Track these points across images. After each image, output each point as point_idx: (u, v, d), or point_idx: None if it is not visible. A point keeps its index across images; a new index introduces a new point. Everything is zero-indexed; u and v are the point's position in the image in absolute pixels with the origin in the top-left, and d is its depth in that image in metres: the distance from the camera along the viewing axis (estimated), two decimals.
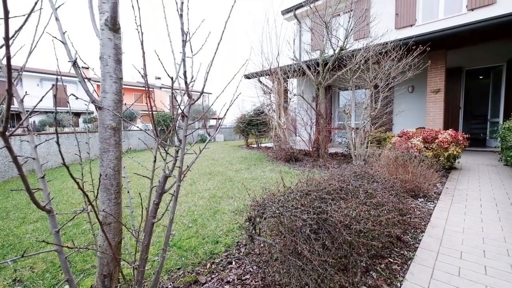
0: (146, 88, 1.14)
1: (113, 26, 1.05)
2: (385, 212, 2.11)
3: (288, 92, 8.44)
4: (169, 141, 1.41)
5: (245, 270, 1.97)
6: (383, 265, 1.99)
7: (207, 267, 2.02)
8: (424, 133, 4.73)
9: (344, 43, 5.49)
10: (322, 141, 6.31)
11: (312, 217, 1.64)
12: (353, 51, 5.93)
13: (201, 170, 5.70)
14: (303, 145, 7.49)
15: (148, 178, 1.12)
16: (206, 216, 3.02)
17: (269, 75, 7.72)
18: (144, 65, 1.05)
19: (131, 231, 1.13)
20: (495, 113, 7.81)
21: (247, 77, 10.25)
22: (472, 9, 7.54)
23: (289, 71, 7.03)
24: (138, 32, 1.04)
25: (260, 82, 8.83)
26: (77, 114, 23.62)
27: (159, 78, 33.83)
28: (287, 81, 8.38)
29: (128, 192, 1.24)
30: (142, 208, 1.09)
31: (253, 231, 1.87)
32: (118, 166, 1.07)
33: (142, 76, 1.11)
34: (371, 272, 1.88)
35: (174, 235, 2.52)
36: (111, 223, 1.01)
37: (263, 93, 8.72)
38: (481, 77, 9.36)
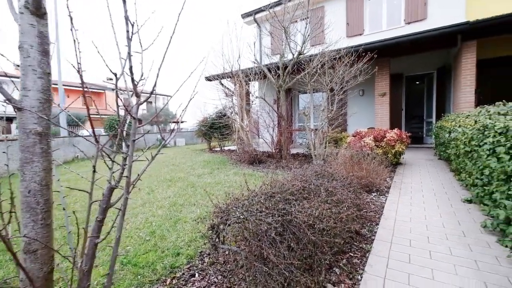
0: (83, 88, 0.97)
1: (37, 10, 0.87)
2: (345, 208, 2.20)
3: (250, 94, 8.49)
4: (122, 146, 1.24)
5: (209, 281, 1.85)
6: (345, 260, 2.06)
7: (167, 283, 1.85)
8: (374, 133, 5.16)
9: (302, 48, 5.71)
10: (284, 143, 6.45)
11: (277, 219, 1.61)
12: (310, 56, 6.21)
13: (160, 177, 5.34)
14: (266, 147, 7.58)
15: (86, 192, 0.95)
16: (166, 226, 2.80)
17: (230, 77, 7.66)
18: (78, 58, 0.89)
19: (67, 256, 0.94)
20: (429, 114, 8.95)
21: (208, 79, 10.02)
22: (409, 23, 8.55)
23: (250, 74, 7.06)
24: (70, 18, 0.88)
25: (222, 84, 8.70)
26: (10, 119, 20.36)
27: (110, 79, 31.06)
28: (249, 83, 8.42)
29: (64, 209, 1.04)
30: (78, 228, 0.92)
31: (217, 240, 1.77)
32: (47, 180, 0.88)
33: (78, 72, 0.95)
34: (334, 269, 1.93)
35: (128, 252, 2.27)
36: (37, 250, 0.82)
37: (225, 96, 8.62)
38: (417, 82, 10.65)
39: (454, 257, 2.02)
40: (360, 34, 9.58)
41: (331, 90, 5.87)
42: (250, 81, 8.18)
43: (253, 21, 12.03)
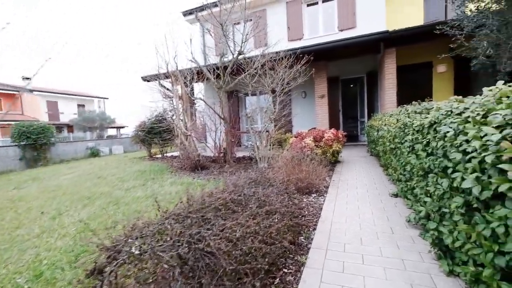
0: None
1: None
2: (277, 220, 1.98)
3: (193, 96, 7.93)
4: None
5: None
6: (278, 279, 1.83)
7: None
8: (314, 133, 5.26)
9: (241, 47, 5.50)
10: (228, 146, 6.14)
11: (183, 252, 1.26)
12: (250, 58, 6.06)
13: (77, 195, 4.43)
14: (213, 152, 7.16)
15: None
16: (63, 263, 2.17)
17: (168, 77, 6.99)
18: None
19: None
20: (362, 114, 9.81)
21: (145, 79, 9.08)
22: (341, 30, 9.21)
23: (188, 74, 6.55)
24: None
25: (161, 85, 7.93)
26: None
27: (28, 78, 26.09)
28: (192, 85, 7.86)
29: None
30: None
31: None
32: None
33: None
34: None
35: None
36: None
37: (165, 97, 7.87)
38: (351, 85, 11.65)
39: (384, 258, 1.99)
40: (300, 39, 9.95)
41: (273, 91, 5.81)
42: (192, 82, 7.65)
43: (196, 20, 11.45)
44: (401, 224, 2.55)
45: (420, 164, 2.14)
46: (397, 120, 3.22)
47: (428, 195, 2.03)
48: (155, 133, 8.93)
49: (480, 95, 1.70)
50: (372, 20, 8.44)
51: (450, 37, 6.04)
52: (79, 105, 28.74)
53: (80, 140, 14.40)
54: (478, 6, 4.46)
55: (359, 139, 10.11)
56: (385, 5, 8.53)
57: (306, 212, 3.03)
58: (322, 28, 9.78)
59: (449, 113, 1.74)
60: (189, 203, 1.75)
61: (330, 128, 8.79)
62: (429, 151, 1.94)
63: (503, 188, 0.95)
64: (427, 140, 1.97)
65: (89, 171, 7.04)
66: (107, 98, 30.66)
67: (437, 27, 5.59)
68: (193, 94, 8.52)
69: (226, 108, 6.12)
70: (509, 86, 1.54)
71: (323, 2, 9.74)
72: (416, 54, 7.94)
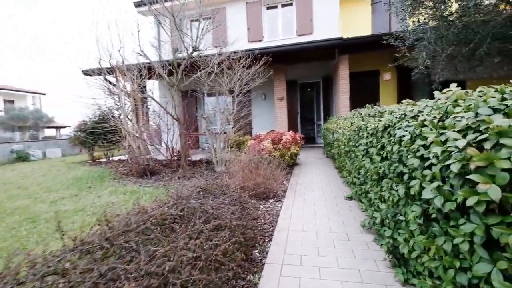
0: None
1: None
2: (226, 237, 1.70)
3: (144, 94, 7.17)
4: None
5: None
6: None
7: None
8: (272, 135, 5.13)
9: (196, 42, 5.10)
10: (182, 149, 5.65)
11: None
12: (207, 56, 5.69)
13: None
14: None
15: None
16: None
17: (113, 72, 6.18)
18: None
19: None
20: (318, 117, 10.16)
21: (87, 73, 7.95)
22: (300, 35, 9.41)
23: (137, 69, 5.87)
24: None
25: (106, 80, 6.99)
26: None
27: None
28: (143, 81, 7.09)
29: None
30: None
31: None
32: None
33: None
34: None
35: None
36: None
37: (110, 94, 6.95)
38: (309, 89, 12.06)
39: (341, 270, 1.85)
40: (260, 41, 9.89)
41: (231, 91, 5.53)
42: (143, 78, 6.90)
43: (149, 12, 10.53)
44: (356, 228, 2.50)
45: (374, 168, 2.09)
46: (351, 123, 3.23)
47: (383, 200, 1.97)
48: (98, 134, 7.86)
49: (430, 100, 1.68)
50: (327, 27, 8.80)
51: (395, 47, 6.56)
52: (6, 101, 24.37)
53: (3, 142, 12.07)
54: (418, 19, 4.87)
55: (316, 141, 10.46)
56: (339, 15, 8.99)
57: (262, 221, 2.81)
58: (281, 32, 9.87)
59: (403, 116, 1.69)
60: (109, 225, 1.35)
61: (289, 130, 8.88)
62: (384, 155, 1.88)
63: (471, 201, 0.83)
64: (382, 144, 1.91)
65: (8, 180, 5.79)
66: (44, 94, 26.67)
67: (384, 38, 6.00)
68: (145, 92, 7.75)
69: (180, 108, 5.62)
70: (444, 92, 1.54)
71: (282, 6, 9.85)
72: (366, 63, 8.51)
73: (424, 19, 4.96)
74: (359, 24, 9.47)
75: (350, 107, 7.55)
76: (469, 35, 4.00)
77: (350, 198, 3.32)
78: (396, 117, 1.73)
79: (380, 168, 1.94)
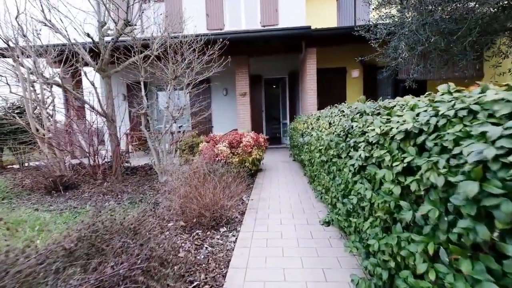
0: None
1: None
2: None
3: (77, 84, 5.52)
4: None
5: None
6: None
7: None
8: (229, 137, 4.10)
9: (126, 13, 3.77)
10: (115, 154, 4.29)
11: None
12: (147, 39, 4.40)
13: None
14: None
15: None
16: None
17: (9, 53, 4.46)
18: None
19: None
20: (284, 115, 9.41)
21: None
22: (264, 26, 8.49)
23: (54, 50, 4.29)
24: None
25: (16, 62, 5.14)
26: None
27: None
28: (73, 67, 5.41)
29: None
30: None
31: None
32: None
33: None
34: None
35: None
36: None
37: (20, 81, 5.14)
38: (274, 86, 11.27)
39: None
40: (220, 29, 8.71)
41: (176, 79, 4.33)
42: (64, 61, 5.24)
43: None
44: (344, 282, 1.62)
45: (383, 202, 1.19)
46: (330, 123, 2.36)
47: (402, 261, 1.09)
48: (6, 134, 5.94)
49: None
50: (293, 18, 8.03)
51: (365, 42, 6.04)
52: None
53: None
54: (398, 7, 4.28)
55: (282, 141, 9.71)
56: (305, 7, 8.30)
57: (203, 276, 1.76)
58: (244, 22, 8.83)
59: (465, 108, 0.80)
60: None
61: (253, 129, 7.93)
62: (408, 184, 0.98)
63: None
64: (406, 163, 1.01)
65: None
66: None
67: (356, 29, 5.37)
68: (81, 83, 6.06)
69: (111, 101, 4.24)
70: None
71: None
72: (332, 59, 7.95)
73: (404, 7, 4.39)
74: (325, 20, 8.93)
75: (318, 105, 6.90)
76: (450, 26, 3.48)
77: (328, 224, 2.45)
78: (449, 112, 0.83)
79: (395, 201, 1.04)
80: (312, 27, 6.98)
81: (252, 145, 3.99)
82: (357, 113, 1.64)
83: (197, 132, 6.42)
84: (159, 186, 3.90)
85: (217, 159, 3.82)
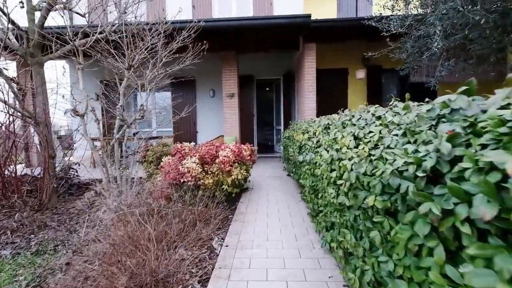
0: None
1: None
2: None
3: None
4: None
5: None
6: None
7: None
8: (203, 149, 2.97)
9: None
10: (44, 167, 3.10)
11: None
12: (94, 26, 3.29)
13: None
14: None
15: None
16: None
17: None
18: None
19: None
20: (278, 121, 8.34)
21: None
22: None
23: None
24: None
25: None
26: None
27: None
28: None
29: None
30: None
31: None
32: None
33: None
34: None
35: None
36: None
37: None
38: (267, 88, 10.23)
39: None
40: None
41: (131, 69, 3.20)
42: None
43: None
44: None
45: None
46: (358, 137, 1.28)
47: None
48: None
49: None
50: (290, 10, 7.06)
51: (370, 39, 5.10)
52: None
53: None
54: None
55: (275, 150, 8.62)
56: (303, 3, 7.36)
57: None
58: (235, 11, 7.83)
59: None
60: None
61: (242, 136, 6.83)
62: None
63: None
64: None
65: None
66: None
67: (365, 21, 4.38)
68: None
69: (40, 96, 3.07)
70: None
71: None
72: (332, 59, 6.96)
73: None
74: (323, 12, 7.97)
75: (317, 110, 5.86)
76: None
77: None
78: None
79: None
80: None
81: (232, 161, 2.87)
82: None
83: (170, 138, 5.26)
84: (102, 217, 2.73)
85: (183, 180, 2.69)
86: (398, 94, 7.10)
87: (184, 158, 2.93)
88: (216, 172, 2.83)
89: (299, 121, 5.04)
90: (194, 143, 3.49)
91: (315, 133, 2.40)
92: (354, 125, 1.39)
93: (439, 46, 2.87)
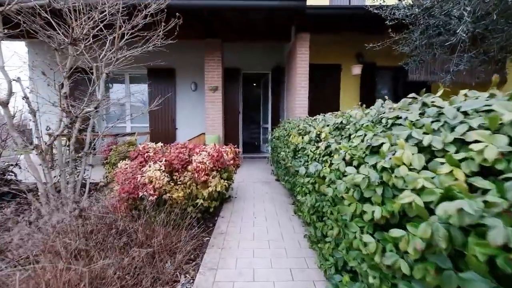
0: None
1: None
2: None
3: None
4: None
5: None
6: None
7: None
8: (172, 153, 2.27)
9: None
10: None
11: None
12: None
13: None
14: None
15: None
16: None
17: None
18: None
19: None
20: (265, 119, 7.73)
21: None
22: None
23: None
24: None
25: None
26: None
27: None
28: None
29: None
30: None
31: None
32: None
33: None
34: None
35: None
36: None
37: None
38: (255, 84, 9.58)
39: None
40: None
41: (73, 43, 2.43)
42: None
43: None
44: None
45: None
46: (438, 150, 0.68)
47: None
48: None
49: None
50: None
51: (368, 32, 4.62)
52: None
53: None
54: None
55: (262, 149, 8.01)
56: None
57: None
58: None
59: None
60: None
61: (226, 134, 6.15)
62: None
63: None
64: None
65: None
66: None
67: (369, 7, 3.85)
68: None
69: None
70: None
71: None
72: (325, 54, 6.44)
73: None
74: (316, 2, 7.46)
75: (309, 108, 5.31)
76: None
77: None
78: None
79: None
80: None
81: (209, 168, 2.21)
82: None
83: (144, 135, 4.50)
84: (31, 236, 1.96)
85: (142, 193, 1.99)
86: (392, 92, 6.74)
87: (146, 163, 2.23)
88: (188, 183, 2.15)
89: (291, 119, 4.45)
90: (162, 144, 2.77)
91: (319, 135, 1.80)
92: (413, 125, 0.79)
93: (465, 32, 2.36)
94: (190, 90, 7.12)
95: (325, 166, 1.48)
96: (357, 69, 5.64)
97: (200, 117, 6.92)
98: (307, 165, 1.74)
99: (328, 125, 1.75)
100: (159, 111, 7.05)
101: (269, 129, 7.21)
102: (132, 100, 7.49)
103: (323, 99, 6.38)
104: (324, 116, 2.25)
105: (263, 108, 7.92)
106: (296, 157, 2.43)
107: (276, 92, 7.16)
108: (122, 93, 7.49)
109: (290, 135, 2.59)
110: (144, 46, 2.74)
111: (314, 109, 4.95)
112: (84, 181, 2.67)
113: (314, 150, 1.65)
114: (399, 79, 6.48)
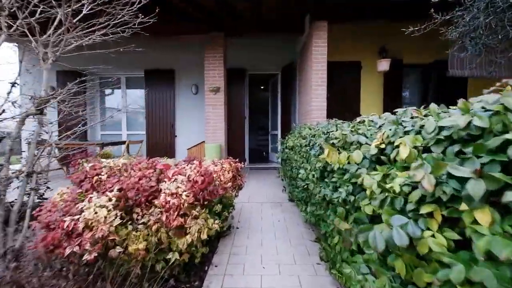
0: None
1: None
2: None
3: None
4: None
5: None
6: None
7: None
8: (130, 177, 1.44)
9: None
10: None
11: None
12: None
13: None
14: None
15: None
16: None
17: None
18: None
19: None
20: (274, 125, 6.87)
21: None
22: None
23: None
24: None
25: None
26: None
27: None
28: None
29: None
30: None
31: None
32: None
33: None
34: None
35: None
36: None
37: None
38: (262, 86, 8.79)
39: None
40: None
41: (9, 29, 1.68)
42: None
43: None
44: None
45: None
46: None
47: None
48: None
49: None
50: None
51: (392, 20, 3.76)
52: None
53: None
54: None
55: (270, 159, 7.12)
56: None
57: None
58: None
59: None
60: None
61: (229, 142, 5.29)
62: None
63: None
64: None
65: None
66: None
67: None
68: None
69: None
70: None
71: None
72: (342, 50, 5.56)
73: None
74: None
75: (328, 110, 4.42)
76: None
77: None
78: None
79: None
80: None
81: (187, 204, 1.34)
82: None
83: (138, 143, 3.73)
84: None
85: (70, 250, 1.16)
86: (421, 95, 5.75)
87: (94, 190, 1.40)
88: (155, 227, 1.30)
89: (309, 123, 3.57)
90: (125, 161, 1.94)
91: (384, 149, 0.92)
92: None
93: None
94: (190, 93, 6.38)
95: (431, 228, 0.60)
96: (384, 65, 4.72)
97: (202, 123, 6.14)
98: (366, 214, 0.85)
99: (407, 131, 0.87)
100: (157, 116, 6.34)
101: (279, 136, 6.34)
102: (129, 104, 6.82)
103: (341, 101, 5.47)
104: (374, 116, 1.37)
105: (272, 113, 7.08)
106: (326, 178, 1.55)
107: (286, 94, 6.30)
108: (119, 98, 6.84)
109: (315, 145, 1.71)
110: (109, 23, 1.96)
111: (331, 113, 4.09)
112: (23, 212, 1.87)
113: (390, 186, 0.76)
114: (430, 77, 5.51)
